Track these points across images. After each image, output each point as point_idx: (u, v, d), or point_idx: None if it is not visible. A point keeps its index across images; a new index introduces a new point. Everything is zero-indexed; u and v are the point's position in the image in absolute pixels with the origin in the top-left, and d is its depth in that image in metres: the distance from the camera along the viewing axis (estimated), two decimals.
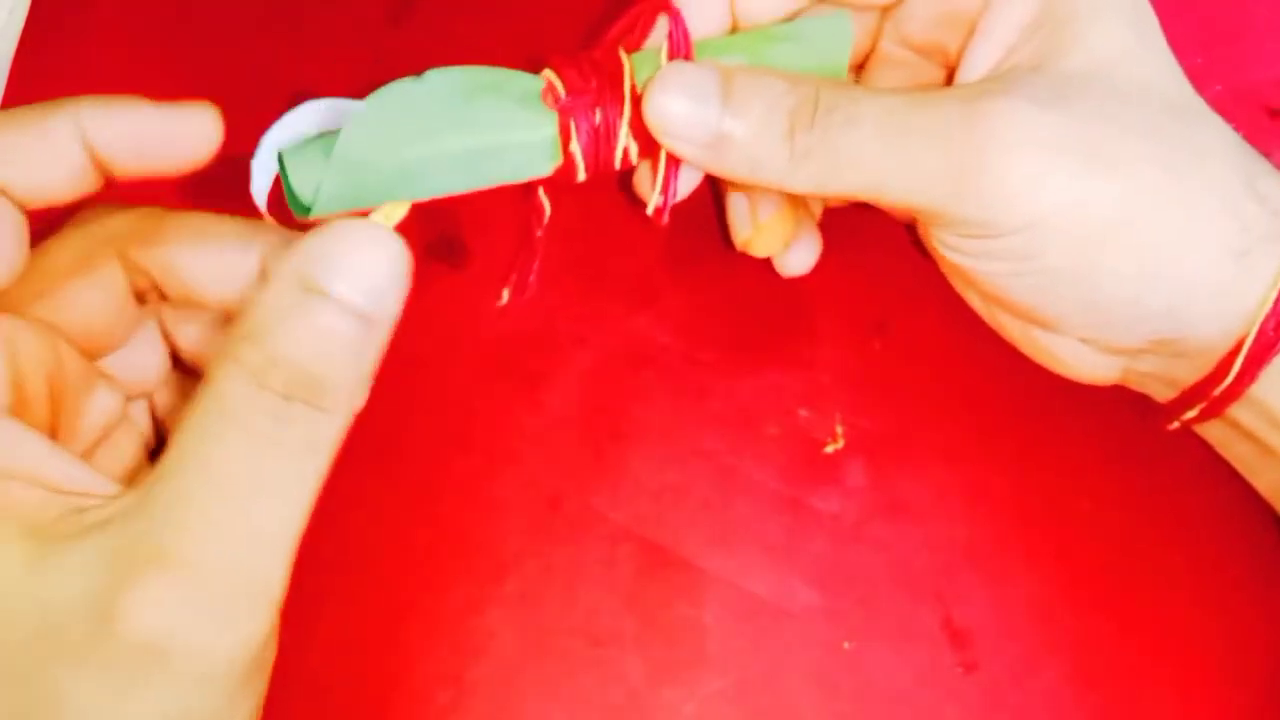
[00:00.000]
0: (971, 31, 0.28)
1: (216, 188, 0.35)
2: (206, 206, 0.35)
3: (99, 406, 0.26)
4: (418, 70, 0.37)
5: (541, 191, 0.28)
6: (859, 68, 0.32)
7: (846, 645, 0.30)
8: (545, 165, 0.27)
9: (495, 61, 0.37)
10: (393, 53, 0.37)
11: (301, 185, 0.26)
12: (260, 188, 0.34)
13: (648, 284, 0.31)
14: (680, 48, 0.27)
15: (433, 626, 0.30)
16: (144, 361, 0.27)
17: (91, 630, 0.20)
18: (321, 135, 0.26)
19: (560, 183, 0.28)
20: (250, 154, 0.33)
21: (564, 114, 0.26)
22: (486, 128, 0.26)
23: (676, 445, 0.32)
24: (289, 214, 0.34)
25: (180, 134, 0.25)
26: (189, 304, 0.26)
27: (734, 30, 0.29)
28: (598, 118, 0.26)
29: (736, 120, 0.26)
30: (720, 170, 0.28)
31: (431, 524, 0.31)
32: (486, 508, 0.32)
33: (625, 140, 0.27)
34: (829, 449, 0.32)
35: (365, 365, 0.23)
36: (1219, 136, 0.27)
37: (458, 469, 0.32)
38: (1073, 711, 0.29)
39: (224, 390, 0.21)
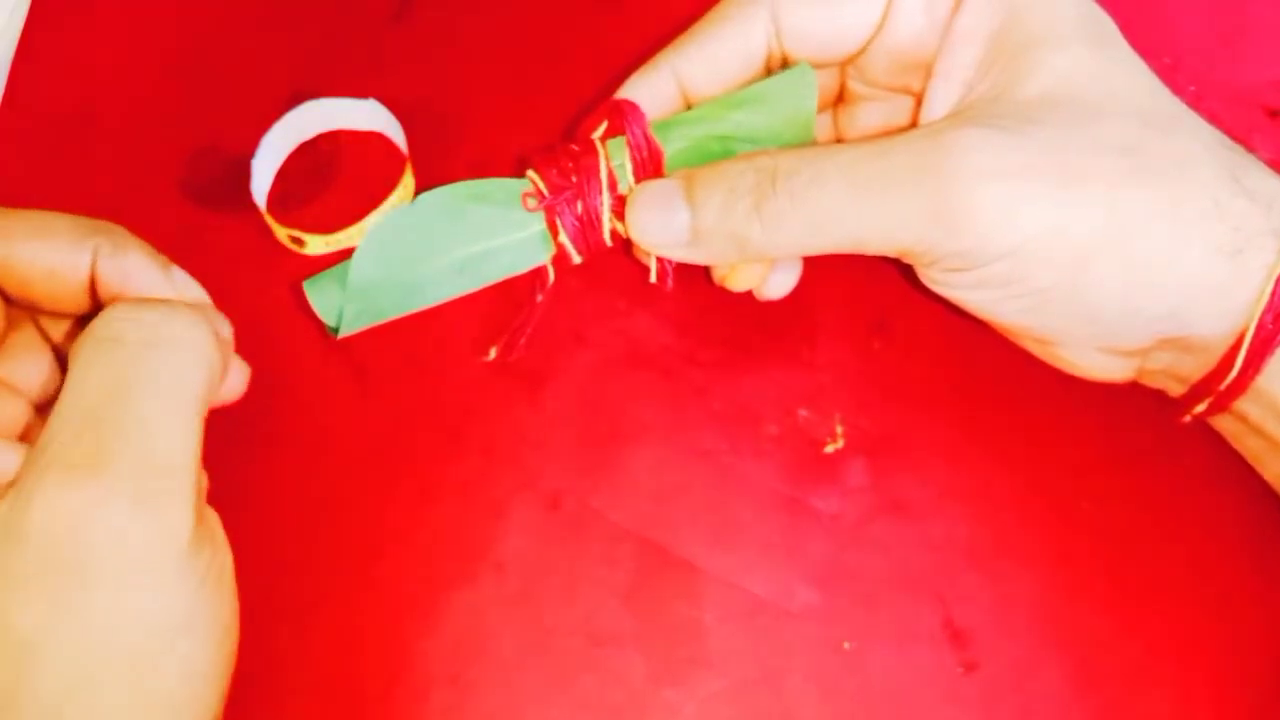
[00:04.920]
0: (930, 73, 0.29)
1: (216, 188, 0.35)
2: (207, 206, 0.35)
3: (2, 415, 0.26)
4: (417, 69, 0.37)
5: (548, 262, 0.30)
6: (836, 104, 0.33)
7: (846, 645, 0.30)
8: (542, 255, 0.30)
9: (494, 61, 0.37)
10: (393, 53, 0.37)
11: (323, 312, 0.29)
12: (260, 188, 0.34)
13: (648, 284, 0.31)
14: (638, 138, 0.29)
15: (432, 626, 0.30)
16: (30, 366, 0.27)
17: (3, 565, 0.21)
18: (337, 265, 0.29)
19: (559, 266, 0.30)
20: (250, 154, 0.34)
21: (549, 211, 0.29)
22: (481, 234, 0.29)
23: (676, 445, 0.32)
24: (288, 214, 0.35)
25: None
26: (38, 306, 0.27)
27: (688, 104, 0.31)
28: (579, 208, 0.29)
29: (703, 213, 0.28)
30: (709, 260, 0.29)
31: (431, 524, 0.31)
32: (486, 508, 0.32)
33: (610, 223, 0.29)
34: (829, 449, 0.32)
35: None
36: (1199, 139, 0.27)
37: (458, 469, 0.32)
38: (1073, 711, 0.29)
39: (82, 340, 0.23)
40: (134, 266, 0.26)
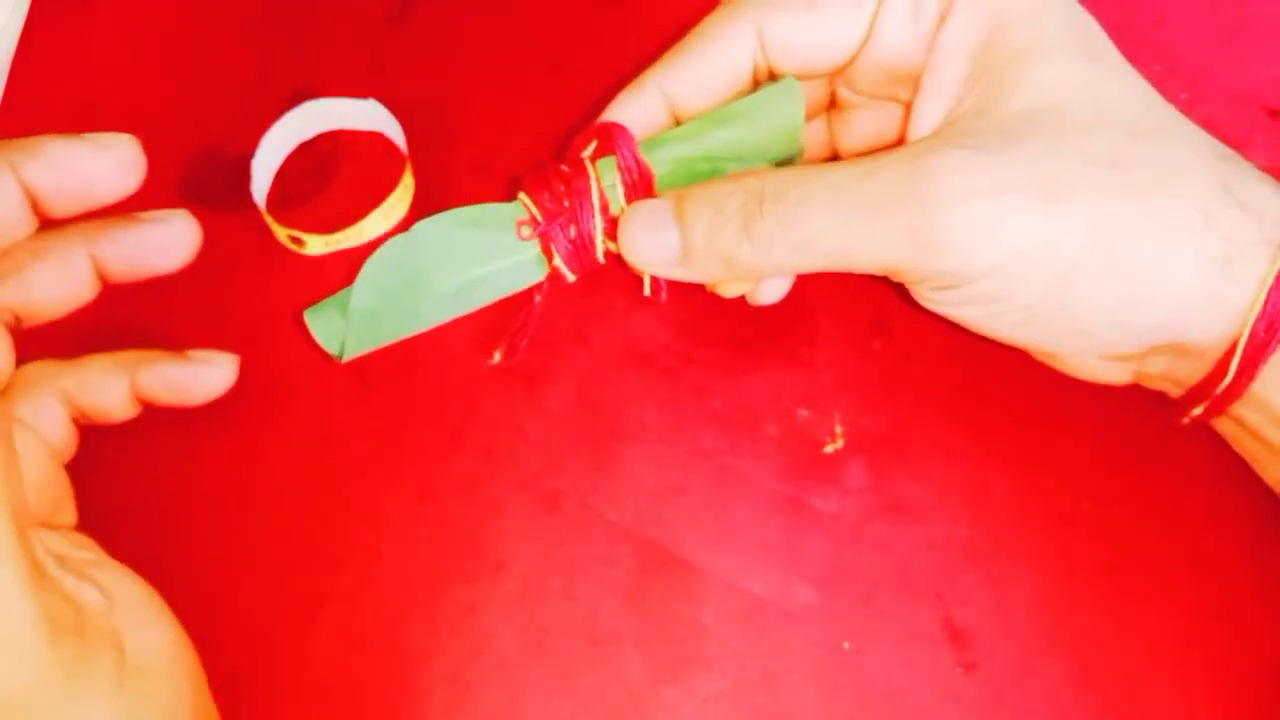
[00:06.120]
0: (918, 87, 0.29)
1: (216, 188, 0.35)
2: (207, 206, 0.35)
3: None
4: (417, 69, 0.37)
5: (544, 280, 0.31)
6: (829, 109, 0.33)
7: (846, 645, 0.30)
8: (538, 274, 0.30)
9: (494, 61, 0.37)
10: (393, 53, 0.37)
11: (325, 341, 0.29)
12: (260, 188, 0.34)
13: None
14: (629, 160, 0.29)
15: (433, 626, 0.30)
16: None
17: None
18: (338, 294, 0.30)
19: (554, 283, 0.31)
20: (250, 154, 0.34)
21: (543, 238, 0.29)
22: (477, 261, 0.30)
23: (676, 445, 0.32)
24: (288, 214, 0.35)
25: (103, 165, 0.26)
26: None
27: (676, 121, 0.31)
28: (573, 232, 0.29)
29: (692, 233, 0.28)
30: (700, 278, 0.30)
31: (431, 524, 0.31)
32: (486, 508, 0.32)
33: (603, 244, 0.30)
34: (829, 449, 0.32)
35: None
36: (1190, 149, 0.26)
37: (458, 469, 0.32)
38: (1073, 711, 0.29)
39: None
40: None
